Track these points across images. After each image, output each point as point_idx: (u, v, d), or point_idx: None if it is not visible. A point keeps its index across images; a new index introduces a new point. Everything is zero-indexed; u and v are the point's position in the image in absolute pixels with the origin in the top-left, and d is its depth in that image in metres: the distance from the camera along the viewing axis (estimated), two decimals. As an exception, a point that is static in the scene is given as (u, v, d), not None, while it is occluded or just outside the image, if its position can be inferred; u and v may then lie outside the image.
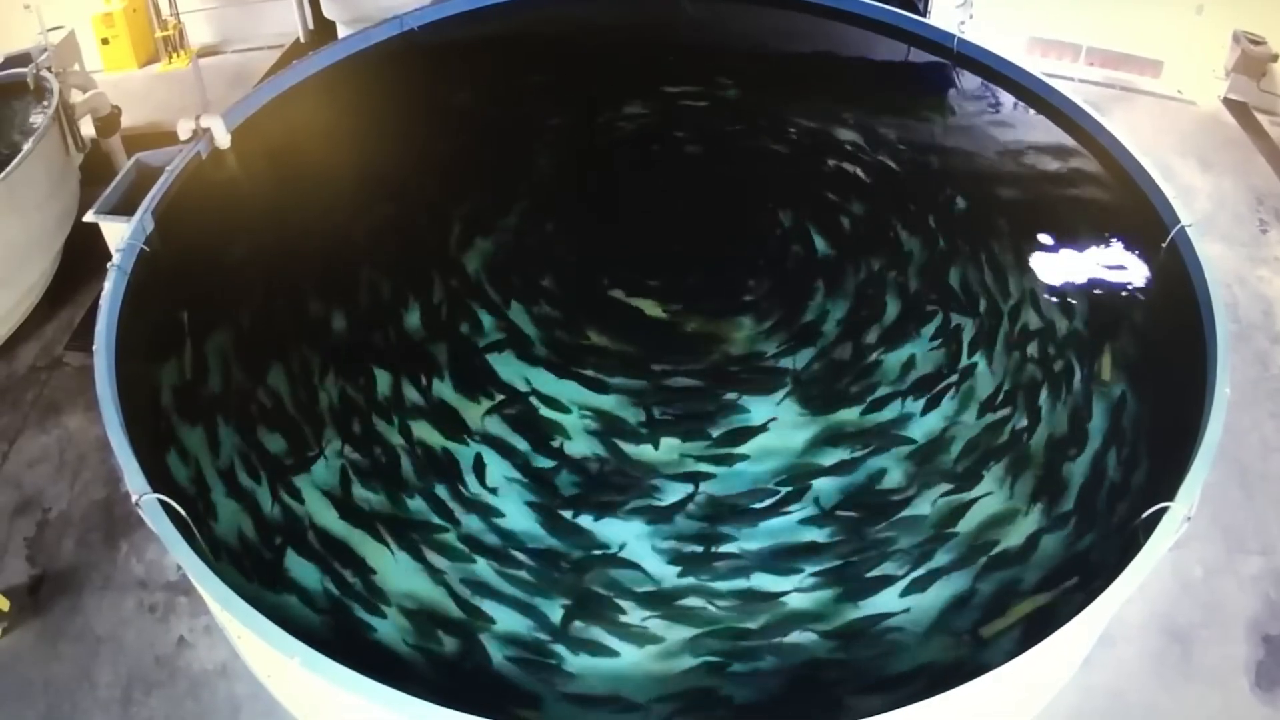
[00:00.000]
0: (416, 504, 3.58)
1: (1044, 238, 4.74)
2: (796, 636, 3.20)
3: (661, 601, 3.29)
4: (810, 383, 4.09)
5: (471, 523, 3.52)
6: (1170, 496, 3.03)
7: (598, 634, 3.20)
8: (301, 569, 3.33)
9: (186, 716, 3.85)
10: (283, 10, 9.14)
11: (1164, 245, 4.27)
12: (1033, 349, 4.18)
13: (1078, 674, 3.70)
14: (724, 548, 3.47)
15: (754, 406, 3.97)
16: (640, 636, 3.20)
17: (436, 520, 3.52)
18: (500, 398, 3.99)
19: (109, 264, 3.92)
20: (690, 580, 3.36)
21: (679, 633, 3.21)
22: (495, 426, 3.87)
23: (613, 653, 3.15)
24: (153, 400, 3.78)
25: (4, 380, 5.44)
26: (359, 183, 5.02)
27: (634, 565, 3.39)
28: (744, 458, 3.77)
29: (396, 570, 3.36)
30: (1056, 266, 4.60)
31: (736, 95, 5.85)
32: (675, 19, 6.53)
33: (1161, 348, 4.04)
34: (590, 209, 5.14)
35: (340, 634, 3.13)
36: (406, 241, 4.81)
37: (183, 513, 3.10)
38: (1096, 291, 4.42)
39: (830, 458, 3.77)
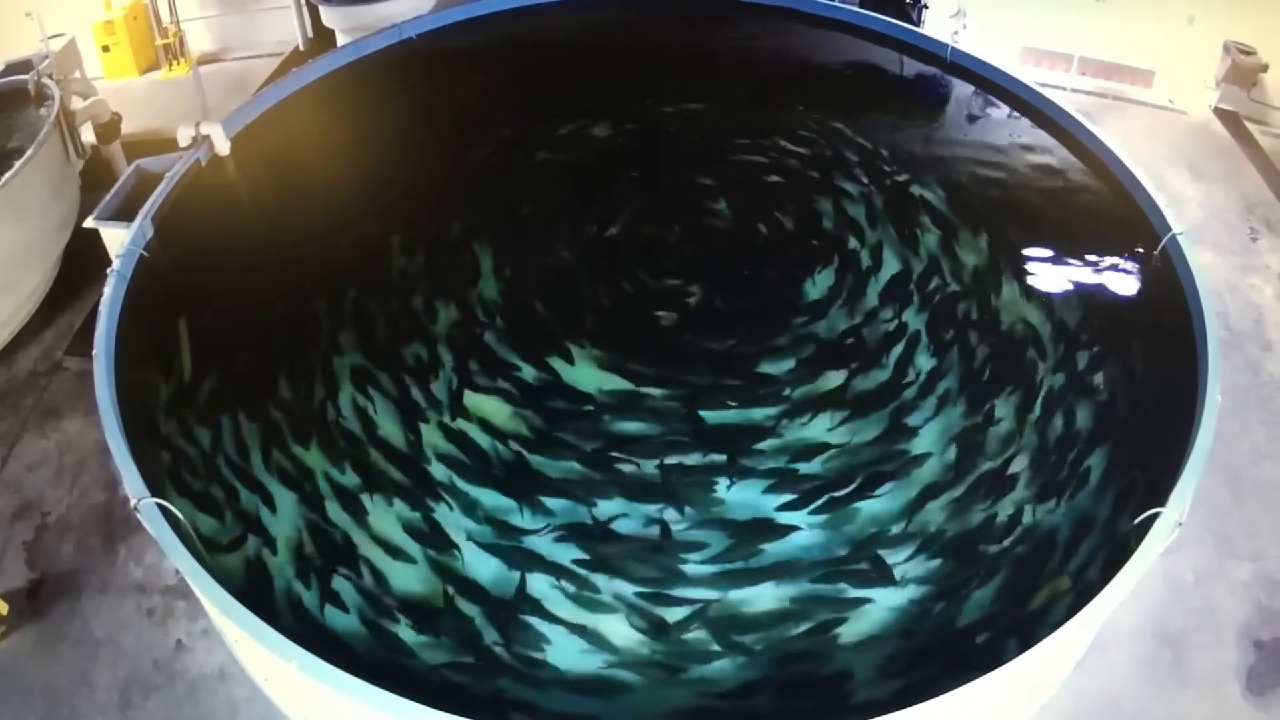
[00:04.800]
0: (417, 507, 3.60)
1: (1036, 246, 4.78)
2: (788, 645, 3.22)
3: (665, 602, 3.32)
4: (803, 389, 4.11)
5: (474, 526, 3.54)
6: (1162, 502, 3.05)
7: (599, 635, 3.22)
8: (300, 572, 3.35)
9: (185, 719, 3.86)
10: (282, 18, 9.20)
11: (1156, 253, 4.31)
12: (1025, 356, 4.21)
13: (1070, 679, 3.73)
14: (723, 545, 3.50)
15: (751, 414, 4.00)
16: (642, 637, 3.22)
17: (438, 523, 3.54)
18: (504, 401, 4.01)
19: (108, 269, 3.95)
20: (691, 584, 3.38)
21: (680, 632, 3.24)
22: (498, 430, 3.89)
23: (614, 654, 3.17)
24: (152, 405, 3.80)
25: (4, 385, 5.45)
26: (358, 190, 5.05)
27: (636, 566, 3.41)
28: (744, 458, 3.81)
29: (396, 573, 3.38)
30: (1049, 274, 4.64)
31: (730, 104, 5.89)
32: (672, 28, 6.59)
33: (1153, 355, 4.06)
34: (589, 213, 5.16)
35: (338, 637, 3.15)
36: (406, 247, 4.83)
37: (181, 517, 3.12)
38: (1089, 299, 4.46)
39: (819, 462, 3.78)
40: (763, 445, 3.86)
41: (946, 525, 3.57)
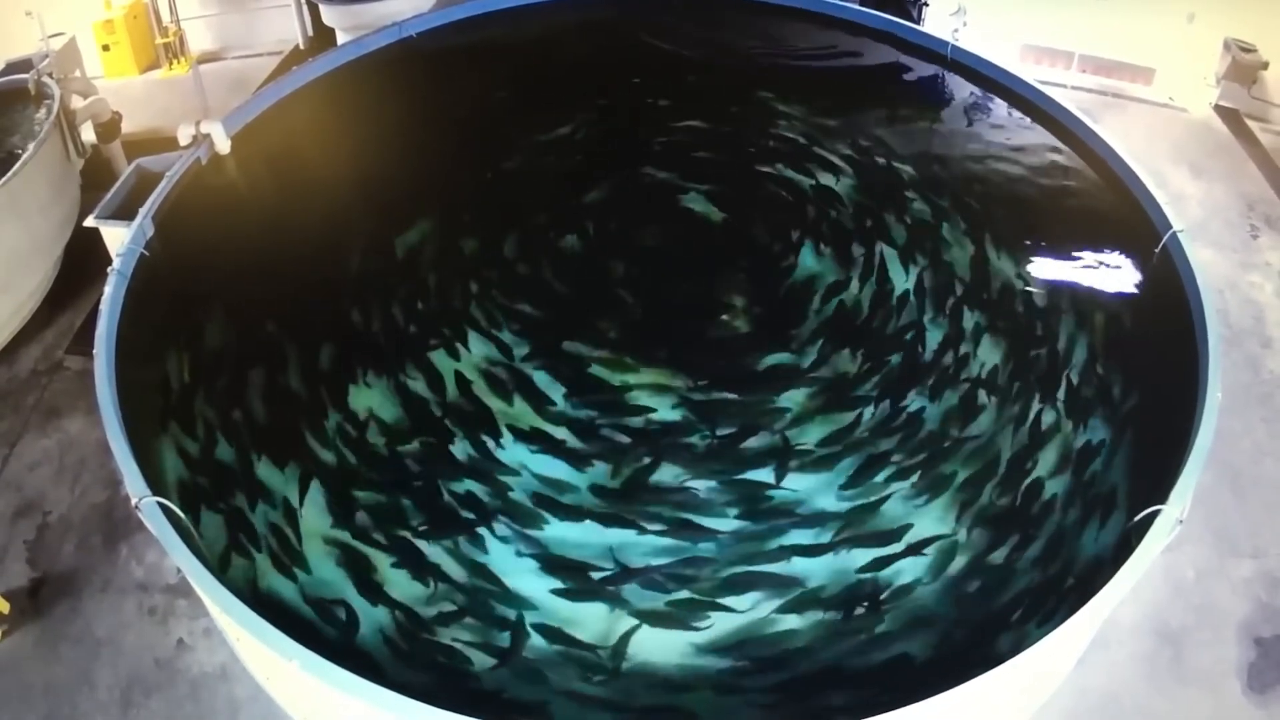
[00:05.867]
0: (422, 506, 3.60)
1: (1037, 244, 4.78)
2: (793, 645, 3.21)
3: (667, 600, 3.31)
4: (801, 391, 4.11)
5: (473, 526, 3.54)
6: (1163, 500, 3.05)
7: (600, 635, 3.21)
8: (302, 571, 3.35)
9: (186, 718, 3.86)
10: (282, 17, 9.20)
11: (1156, 251, 4.31)
12: (1024, 353, 4.21)
13: (1071, 676, 3.73)
14: (723, 541, 3.50)
15: (750, 414, 4.00)
16: (643, 637, 3.21)
17: (443, 523, 3.54)
18: (516, 399, 4.00)
19: (109, 268, 3.95)
20: (693, 581, 3.38)
21: (685, 630, 3.24)
22: (498, 430, 3.89)
23: (615, 655, 3.17)
24: (152, 404, 3.80)
25: (5, 384, 5.46)
26: (358, 189, 5.05)
27: (637, 566, 3.41)
28: (744, 457, 3.80)
29: (397, 573, 3.38)
30: (1049, 272, 4.64)
31: (730, 102, 5.89)
32: (672, 26, 6.58)
33: (1153, 352, 4.06)
34: (590, 213, 5.16)
35: (340, 637, 3.15)
36: (406, 247, 4.83)
37: (182, 516, 3.12)
38: (1089, 297, 4.46)
39: (821, 462, 3.79)
40: (764, 445, 3.86)
41: (946, 523, 3.57)
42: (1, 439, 5.11)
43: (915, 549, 3.48)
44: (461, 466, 3.75)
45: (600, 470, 3.74)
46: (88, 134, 6.81)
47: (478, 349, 4.28)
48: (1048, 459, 3.77)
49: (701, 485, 3.69)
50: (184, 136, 4.73)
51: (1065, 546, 3.44)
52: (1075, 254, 4.71)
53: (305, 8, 9.07)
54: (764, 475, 3.74)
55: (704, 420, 3.95)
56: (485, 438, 3.86)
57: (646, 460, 3.77)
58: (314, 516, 3.54)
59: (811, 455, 3.82)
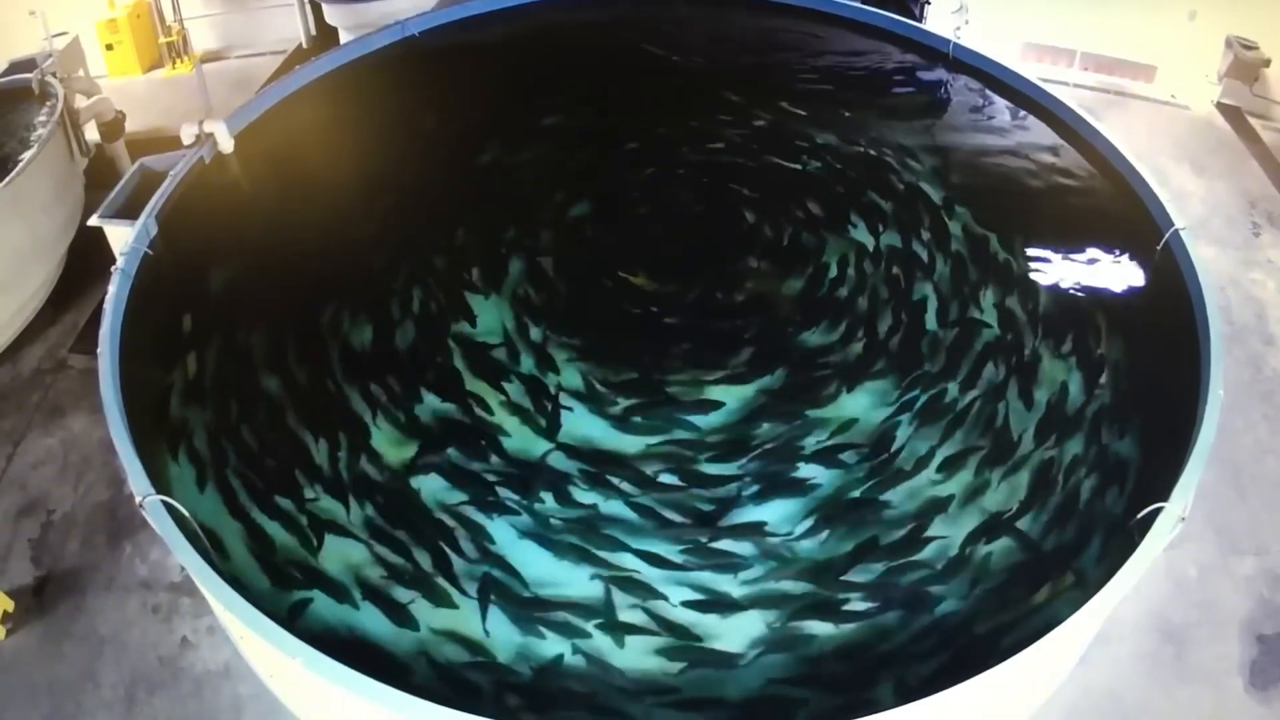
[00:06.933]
0: (418, 506, 3.61)
1: (1038, 241, 4.77)
2: (790, 648, 3.20)
3: (668, 597, 3.31)
4: (795, 387, 4.12)
5: (475, 524, 3.55)
6: (1165, 497, 3.05)
7: (601, 632, 3.22)
8: (304, 570, 3.35)
9: (189, 717, 3.88)
10: (285, 16, 9.23)
11: (1158, 249, 4.31)
12: (1026, 351, 4.22)
13: (1074, 673, 3.74)
14: (726, 537, 3.49)
15: (744, 412, 4.01)
16: (645, 634, 3.21)
17: (444, 521, 3.54)
18: (507, 403, 4.01)
19: (113, 267, 3.96)
20: (696, 575, 3.38)
21: (685, 629, 3.24)
22: (501, 430, 3.90)
23: (616, 653, 3.17)
24: (156, 402, 3.81)
25: (9, 383, 5.49)
26: (362, 187, 5.06)
27: (640, 562, 3.40)
28: (735, 454, 3.80)
29: (401, 573, 3.38)
30: (1050, 269, 4.63)
31: (730, 100, 5.89)
32: (673, 25, 6.59)
33: (1155, 350, 4.06)
34: (591, 212, 5.17)
35: (343, 635, 3.15)
36: (410, 246, 4.84)
37: (186, 514, 3.13)
38: (1091, 294, 4.45)
39: (813, 460, 3.77)
40: (779, 441, 3.84)
41: (949, 519, 3.57)
42: (5, 438, 5.14)
43: (915, 545, 3.48)
44: (470, 468, 3.72)
45: (622, 475, 3.70)
46: (91, 133, 6.83)
47: (485, 350, 4.26)
48: (1048, 456, 3.76)
49: (724, 482, 3.66)
50: (187, 136, 4.74)
51: (1067, 543, 3.44)
52: (1077, 251, 4.70)
53: (308, 7, 9.10)
54: (779, 473, 3.72)
55: (723, 418, 3.92)
56: (493, 439, 3.84)
57: (675, 464, 3.73)
58: (318, 513, 3.54)
59: (824, 450, 3.80)
